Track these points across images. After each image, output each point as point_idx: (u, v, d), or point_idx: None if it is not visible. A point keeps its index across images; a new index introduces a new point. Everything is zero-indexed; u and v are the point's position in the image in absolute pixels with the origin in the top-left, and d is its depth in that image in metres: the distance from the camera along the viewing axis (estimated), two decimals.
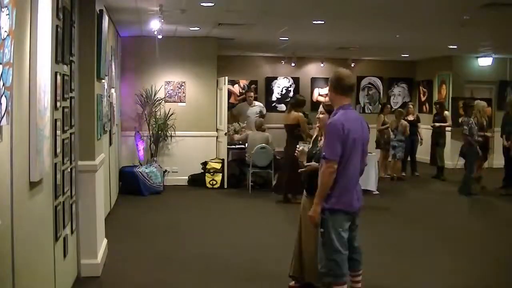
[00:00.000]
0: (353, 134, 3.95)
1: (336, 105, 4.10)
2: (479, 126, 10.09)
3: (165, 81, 10.45)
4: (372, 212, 7.77)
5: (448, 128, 12.14)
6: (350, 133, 3.93)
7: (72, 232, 4.73)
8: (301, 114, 8.87)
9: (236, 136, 10.62)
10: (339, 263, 3.98)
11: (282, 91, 14.21)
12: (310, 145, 4.82)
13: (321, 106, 4.72)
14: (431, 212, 8.66)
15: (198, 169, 10.35)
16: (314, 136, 4.81)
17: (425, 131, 12.32)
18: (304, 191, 4.77)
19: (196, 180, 10.33)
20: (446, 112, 11.92)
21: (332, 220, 3.97)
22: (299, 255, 4.80)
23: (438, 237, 7.04)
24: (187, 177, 10.43)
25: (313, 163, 4.45)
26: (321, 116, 4.59)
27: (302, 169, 4.59)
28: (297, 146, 4.84)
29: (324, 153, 3.96)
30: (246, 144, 10.07)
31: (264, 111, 11.62)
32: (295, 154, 4.77)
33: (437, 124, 11.65)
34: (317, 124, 4.72)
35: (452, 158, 11.92)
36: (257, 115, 10.96)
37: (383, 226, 6.99)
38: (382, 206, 8.78)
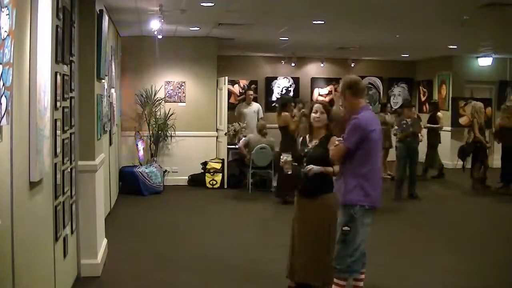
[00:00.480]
0: (376, 133, 4.18)
1: (356, 106, 4.23)
2: (478, 127, 10.06)
3: (165, 81, 10.46)
4: None
5: (448, 128, 12.11)
6: (374, 132, 4.14)
7: (72, 232, 4.73)
8: (288, 114, 8.88)
9: (241, 146, 10.27)
10: (358, 260, 4.14)
11: (282, 91, 14.19)
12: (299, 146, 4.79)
13: (319, 106, 4.63)
14: (431, 212, 8.66)
15: (198, 169, 10.35)
16: (306, 137, 4.75)
17: (424, 131, 12.28)
18: (297, 192, 4.74)
19: (196, 180, 10.33)
20: (438, 113, 11.83)
21: (362, 217, 4.12)
22: (290, 255, 4.73)
23: (438, 237, 7.05)
24: (187, 177, 10.43)
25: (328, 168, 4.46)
26: (321, 116, 4.56)
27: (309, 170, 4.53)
28: (281, 156, 4.79)
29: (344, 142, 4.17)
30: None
31: (261, 113, 11.58)
32: (280, 164, 4.76)
33: (427, 125, 11.59)
34: (318, 124, 4.64)
35: (452, 158, 11.91)
36: (255, 112, 10.97)
37: (383, 226, 6.98)
38: (382, 206, 8.73)
